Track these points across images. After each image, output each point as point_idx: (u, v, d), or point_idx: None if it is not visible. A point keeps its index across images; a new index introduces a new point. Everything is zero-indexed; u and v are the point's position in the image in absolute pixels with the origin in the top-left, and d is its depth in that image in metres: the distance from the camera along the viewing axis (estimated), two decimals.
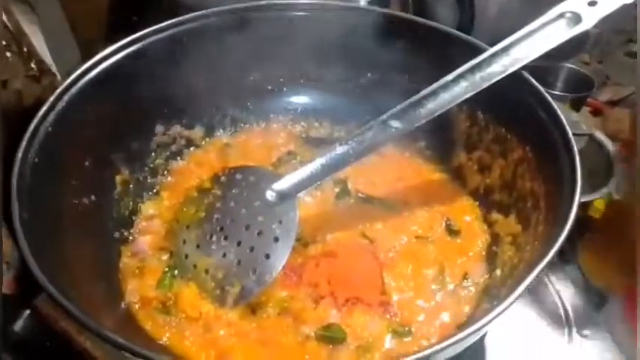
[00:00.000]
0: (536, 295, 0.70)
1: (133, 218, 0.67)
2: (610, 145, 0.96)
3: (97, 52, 0.63)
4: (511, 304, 0.45)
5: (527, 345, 0.64)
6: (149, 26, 0.67)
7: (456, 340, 0.43)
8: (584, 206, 0.77)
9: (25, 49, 0.64)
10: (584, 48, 1.03)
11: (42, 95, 0.64)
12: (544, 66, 0.92)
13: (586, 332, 0.65)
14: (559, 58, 0.96)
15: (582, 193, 0.52)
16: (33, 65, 0.65)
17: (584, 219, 0.79)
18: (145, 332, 0.56)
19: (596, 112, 1.19)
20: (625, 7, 0.58)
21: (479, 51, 0.61)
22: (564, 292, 0.70)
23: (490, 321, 0.44)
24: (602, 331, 0.66)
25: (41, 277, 0.45)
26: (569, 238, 0.48)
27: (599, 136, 0.95)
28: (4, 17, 0.61)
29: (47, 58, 0.68)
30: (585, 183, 0.53)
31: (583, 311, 0.68)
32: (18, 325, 0.49)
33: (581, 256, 0.87)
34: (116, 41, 0.65)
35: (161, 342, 0.56)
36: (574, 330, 0.65)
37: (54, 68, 0.68)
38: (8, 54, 0.61)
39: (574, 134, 0.56)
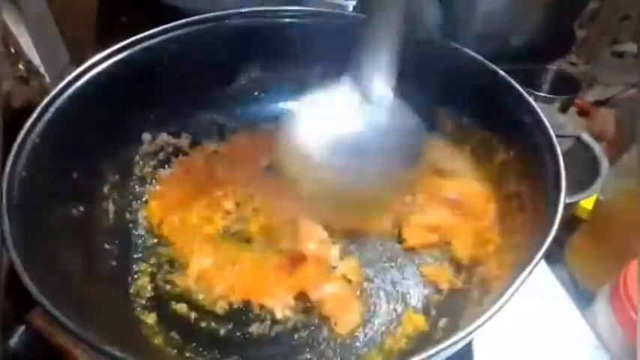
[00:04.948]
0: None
1: None
2: (596, 146, 0.96)
3: (85, 53, 0.63)
4: (499, 309, 0.45)
5: (514, 345, 0.64)
6: (138, 27, 0.67)
7: (440, 349, 0.43)
8: (571, 206, 0.77)
9: (12, 50, 0.63)
10: (571, 49, 1.04)
11: (31, 97, 0.63)
12: (531, 68, 0.93)
13: (573, 333, 0.66)
14: (546, 60, 0.97)
15: (569, 193, 0.52)
16: (21, 66, 0.64)
17: (572, 219, 0.79)
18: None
19: (583, 113, 1.20)
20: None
21: (465, 57, 0.62)
22: (551, 292, 0.70)
23: (478, 327, 0.44)
24: (589, 331, 0.66)
25: (35, 291, 0.44)
26: (556, 239, 0.49)
27: (586, 137, 0.96)
28: None
29: (35, 58, 0.67)
30: (572, 183, 0.53)
31: (570, 311, 0.68)
32: (13, 341, 0.48)
33: (568, 256, 0.88)
34: (105, 42, 0.65)
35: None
36: (561, 330, 0.66)
37: (42, 69, 0.67)
38: None
39: (561, 136, 0.57)
